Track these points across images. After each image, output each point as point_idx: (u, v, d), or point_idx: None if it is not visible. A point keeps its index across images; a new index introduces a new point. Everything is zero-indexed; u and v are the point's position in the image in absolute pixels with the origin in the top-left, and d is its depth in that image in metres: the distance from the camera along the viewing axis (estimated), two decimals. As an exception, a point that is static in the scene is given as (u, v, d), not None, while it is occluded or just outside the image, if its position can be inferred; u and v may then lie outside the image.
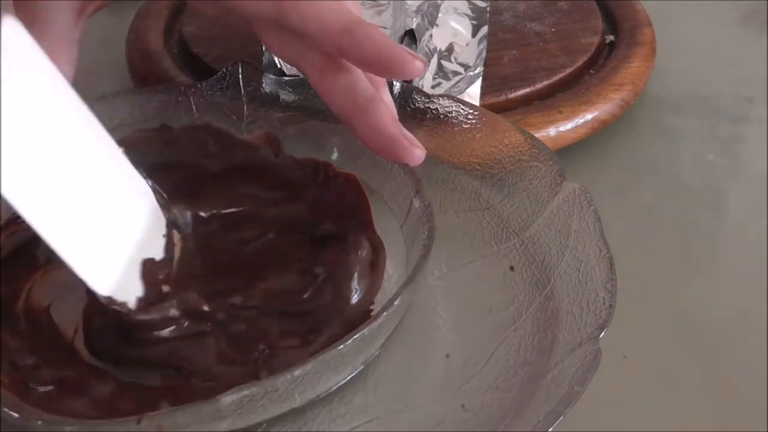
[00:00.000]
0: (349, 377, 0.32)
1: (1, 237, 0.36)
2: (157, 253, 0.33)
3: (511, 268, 0.35)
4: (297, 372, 0.28)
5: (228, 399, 0.27)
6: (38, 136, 0.28)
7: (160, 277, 0.33)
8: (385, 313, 0.30)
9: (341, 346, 0.28)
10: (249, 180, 0.38)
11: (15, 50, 0.26)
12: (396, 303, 0.30)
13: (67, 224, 0.29)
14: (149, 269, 0.33)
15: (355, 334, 0.29)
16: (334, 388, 0.31)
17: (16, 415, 0.27)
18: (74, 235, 0.30)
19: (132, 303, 0.32)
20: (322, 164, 0.39)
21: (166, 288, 0.33)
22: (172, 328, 0.32)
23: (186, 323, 0.32)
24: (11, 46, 0.26)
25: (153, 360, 0.32)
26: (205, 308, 0.33)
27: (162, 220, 0.34)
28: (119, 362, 0.32)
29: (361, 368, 0.32)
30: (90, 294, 0.33)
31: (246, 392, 0.27)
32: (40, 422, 0.28)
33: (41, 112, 0.28)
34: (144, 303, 0.32)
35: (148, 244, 0.33)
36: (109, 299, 0.31)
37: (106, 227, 0.31)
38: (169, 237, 0.34)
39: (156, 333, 0.32)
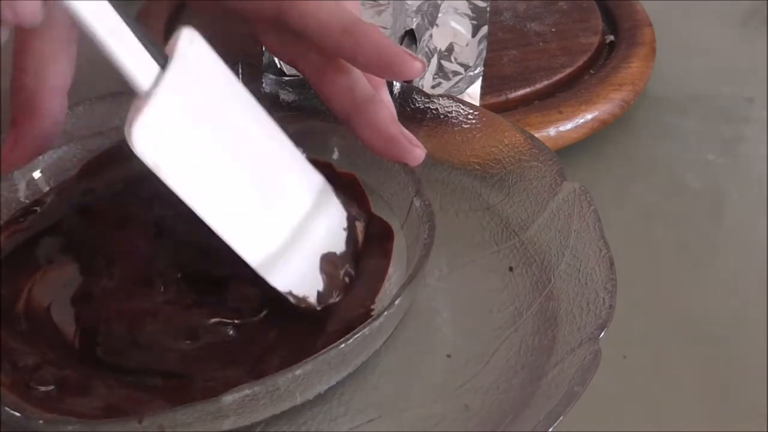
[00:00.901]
0: (350, 376, 0.31)
1: (1, 237, 0.36)
2: (339, 246, 0.34)
3: (510, 268, 0.35)
4: (298, 371, 0.28)
5: (229, 398, 0.27)
6: (217, 140, 0.30)
7: (341, 271, 0.34)
8: (386, 313, 0.30)
9: (342, 345, 0.28)
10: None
11: (194, 56, 0.30)
12: (397, 302, 0.30)
13: (243, 218, 0.31)
14: (329, 262, 0.33)
15: (357, 334, 0.29)
16: (335, 385, 0.31)
17: (18, 414, 0.27)
18: (252, 231, 0.32)
19: (312, 298, 0.32)
20: (322, 164, 0.39)
21: (347, 280, 0.34)
22: (189, 341, 0.32)
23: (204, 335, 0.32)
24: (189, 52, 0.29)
25: (158, 368, 0.32)
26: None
27: (342, 214, 0.35)
28: (122, 370, 0.32)
29: (361, 368, 0.32)
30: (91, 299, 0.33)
31: (247, 391, 0.27)
32: (41, 421, 0.28)
33: (220, 112, 0.31)
34: (325, 297, 0.33)
35: (328, 238, 0.34)
36: (290, 294, 0.32)
37: (283, 223, 0.33)
38: (350, 230, 0.35)
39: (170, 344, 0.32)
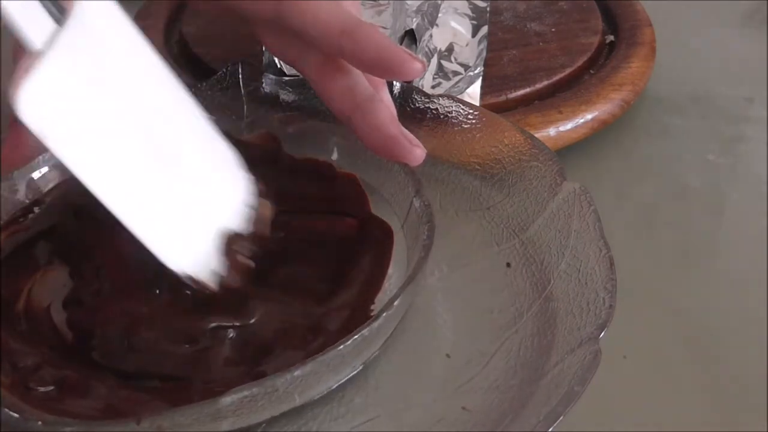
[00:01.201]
0: (350, 377, 0.31)
1: (1, 237, 0.36)
2: (241, 225, 0.32)
3: (508, 264, 0.35)
4: (297, 372, 0.28)
5: (228, 399, 0.27)
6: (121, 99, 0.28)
7: (243, 252, 0.32)
8: (384, 314, 0.29)
9: (341, 347, 0.28)
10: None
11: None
12: (396, 303, 0.30)
13: (140, 194, 0.29)
14: (230, 242, 0.32)
15: (355, 335, 0.29)
16: (335, 386, 0.31)
17: (16, 415, 0.27)
18: (149, 208, 0.29)
19: (212, 282, 0.31)
20: (322, 164, 0.39)
21: (248, 262, 0.32)
22: (188, 345, 0.32)
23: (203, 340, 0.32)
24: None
25: (157, 371, 0.32)
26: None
27: (247, 190, 0.33)
28: (120, 374, 0.32)
29: (361, 368, 0.32)
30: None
31: (246, 393, 0.27)
32: (39, 423, 0.28)
33: (120, 76, 0.28)
34: (225, 280, 0.31)
35: (230, 216, 0.32)
36: (188, 277, 0.30)
37: (184, 200, 0.30)
38: (255, 208, 0.33)
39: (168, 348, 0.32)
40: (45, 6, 0.25)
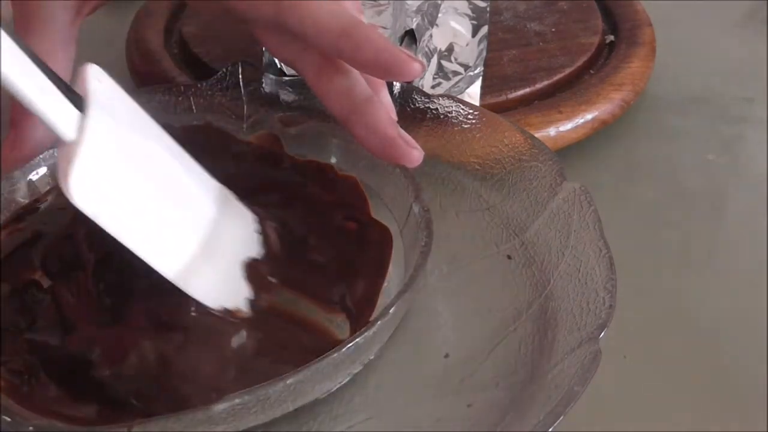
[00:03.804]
0: (350, 376, 0.31)
1: (1, 237, 0.36)
2: (256, 250, 0.34)
3: (509, 256, 0.35)
4: (289, 380, 0.27)
5: (221, 406, 0.26)
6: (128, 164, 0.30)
7: (266, 272, 0.33)
8: (379, 322, 0.29)
9: (334, 355, 0.28)
10: (249, 181, 0.38)
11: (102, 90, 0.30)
12: (392, 311, 0.30)
13: (171, 246, 0.31)
14: (251, 267, 0.33)
15: (349, 343, 0.28)
16: (334, 389, 0.31)
17: (8, 419, 0.27)
18: (180, 257, 0.31)
19: (244, 307, 0.32)
20: (322, 166, 0.39)
21: (274, 280, 0.33)
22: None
23: None
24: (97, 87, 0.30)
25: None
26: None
27: (251, 217, 0.35)
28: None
29: (361, 368, 0.32)
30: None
31: (238, 400, 0.27)
32: (31, 428, 0.28)
33: (136, 143, 0.31)
34: (255, 303, 0.32)
35: (243, 243, 0.34)
36: (223, 310, 0.31)
37: (200, 240, 0.32)
38: (264, 233, 0.35)
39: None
40: (68, 98, 0.28)
